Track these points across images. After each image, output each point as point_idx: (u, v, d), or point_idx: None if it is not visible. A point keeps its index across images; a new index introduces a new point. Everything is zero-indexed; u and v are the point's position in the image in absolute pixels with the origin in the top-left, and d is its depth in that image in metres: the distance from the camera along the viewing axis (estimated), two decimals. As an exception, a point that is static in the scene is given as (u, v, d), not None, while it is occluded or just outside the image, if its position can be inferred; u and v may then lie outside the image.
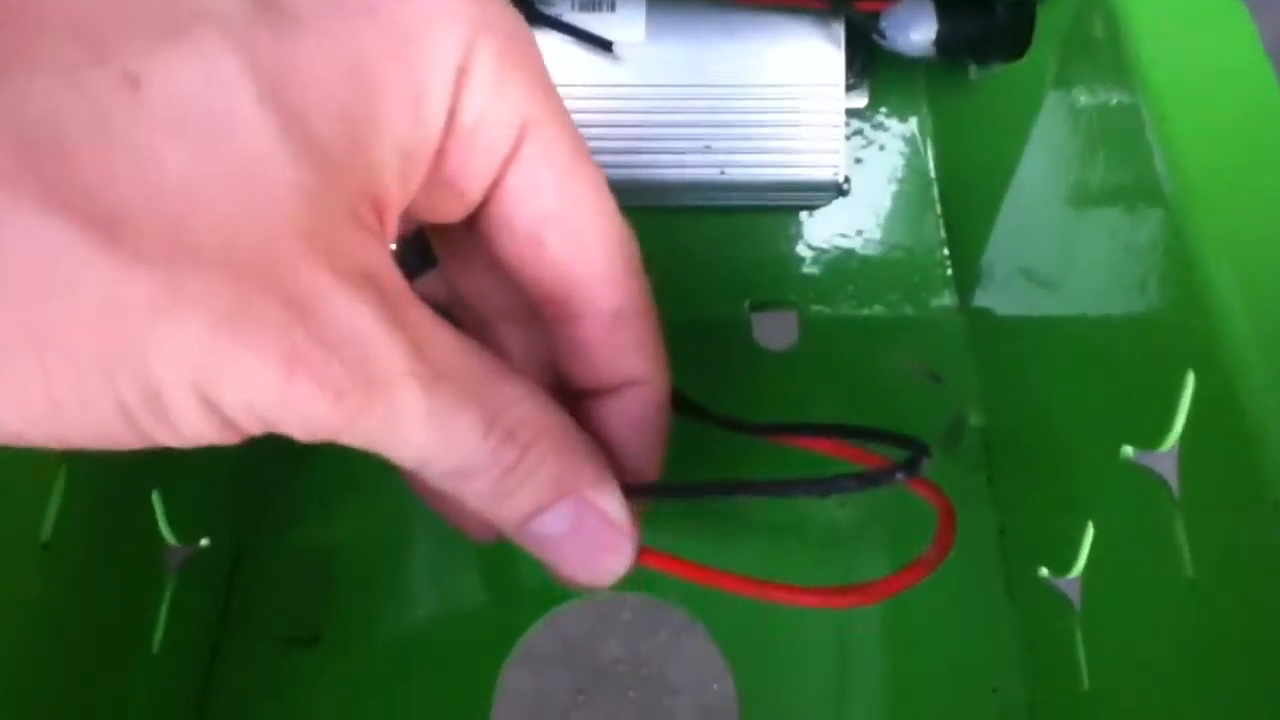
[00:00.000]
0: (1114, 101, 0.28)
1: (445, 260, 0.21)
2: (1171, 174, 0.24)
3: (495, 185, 0.17)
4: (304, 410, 0.14)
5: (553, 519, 0.18)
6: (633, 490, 0.19)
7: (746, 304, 0.41)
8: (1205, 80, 0.26)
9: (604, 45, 0.36)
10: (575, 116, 0.18)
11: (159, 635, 0.30)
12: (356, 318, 0.14)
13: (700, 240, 0.42)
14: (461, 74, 0.16)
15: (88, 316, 0.12)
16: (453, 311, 0.23)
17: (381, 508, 0.37)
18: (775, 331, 0.41)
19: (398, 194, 0.16)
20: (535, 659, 0.37)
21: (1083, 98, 0.30)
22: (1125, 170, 0.27)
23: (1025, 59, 0.34)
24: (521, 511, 0.18)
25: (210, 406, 0.14)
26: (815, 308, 0.41)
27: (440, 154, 0.16)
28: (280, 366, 0.14)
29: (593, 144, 0.36)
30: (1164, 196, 0.24)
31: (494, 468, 0.17)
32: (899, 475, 0.19)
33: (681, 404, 0.22)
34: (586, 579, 0.19)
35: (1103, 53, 0.29)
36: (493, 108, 0.16)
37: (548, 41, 0.36)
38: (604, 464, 0.19)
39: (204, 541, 0.33)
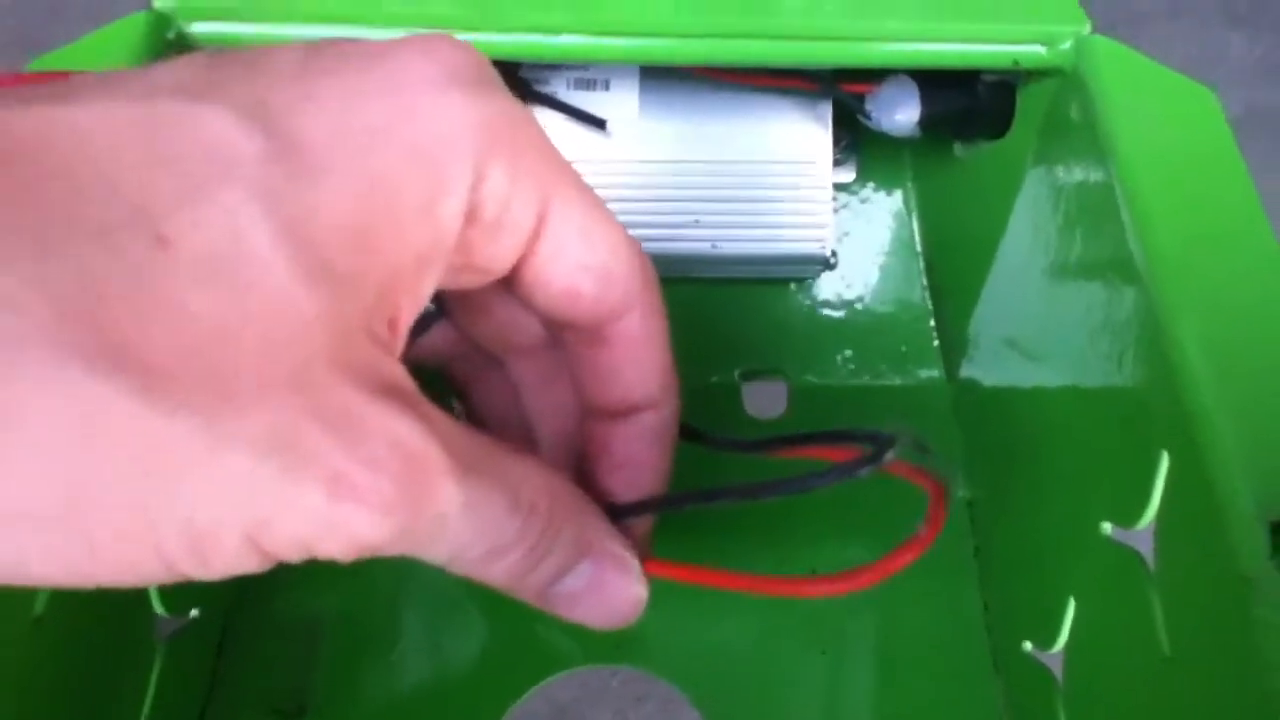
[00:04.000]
0: (1090, 180, 0.29)
1: (462, 309, 0.22)
2: (1144, 252, 0.25)
3: (524, 256, 0.18)
4: (352, 531, 0.15)
5: (574, 579, 0.19)
6: (622, 510, 0.21)
7: (736, 373, 0.42)
8: (1176, 161, 0.27)
9: (598, 123, 0.37)
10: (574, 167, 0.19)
11: (148, 706, 0.30)
12: (393, 428, 0.15)
13: (691, 310, 0.43)
14: (478, 179, 0.16)
15: (132, 468, 0.13)
16: (456, 359, 0.24)
17: (369, 577, 0.37)
18: (765, 401, 0.42)
19: (410, 299, 0.16)
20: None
21: (1061, 176, 0.31)
22: (1101, 247, 0.28)
23: (1007, 138, 0.35)
24: (546, 579, 0.19)
25: (254, 544, 0.14)
26: (805, 377, 0.42)
27: (463, 247, 0.17)
28: (326, 493, 0.14)
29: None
30: (1137, 274, 0.25)
31: (522, 544, 0.18)
32: (864, 469, 0.20)
33: (682, 430, 0.23)
34: (614, 621, 0.20)
35: (1079, 134, 0.29)
36: (512, 199, 0.17)
37: (543, 119, 0.37)
38: (599, 510, 0.20)
39: (194, 612, 0.33)
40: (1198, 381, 0.22)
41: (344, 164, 0.15)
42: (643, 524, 0.22)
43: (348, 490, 0.14)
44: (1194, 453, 0.22)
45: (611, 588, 0.20)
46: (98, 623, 0.28)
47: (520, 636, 0.36)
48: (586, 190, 0.19)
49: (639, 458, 0.21)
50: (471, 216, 0.17)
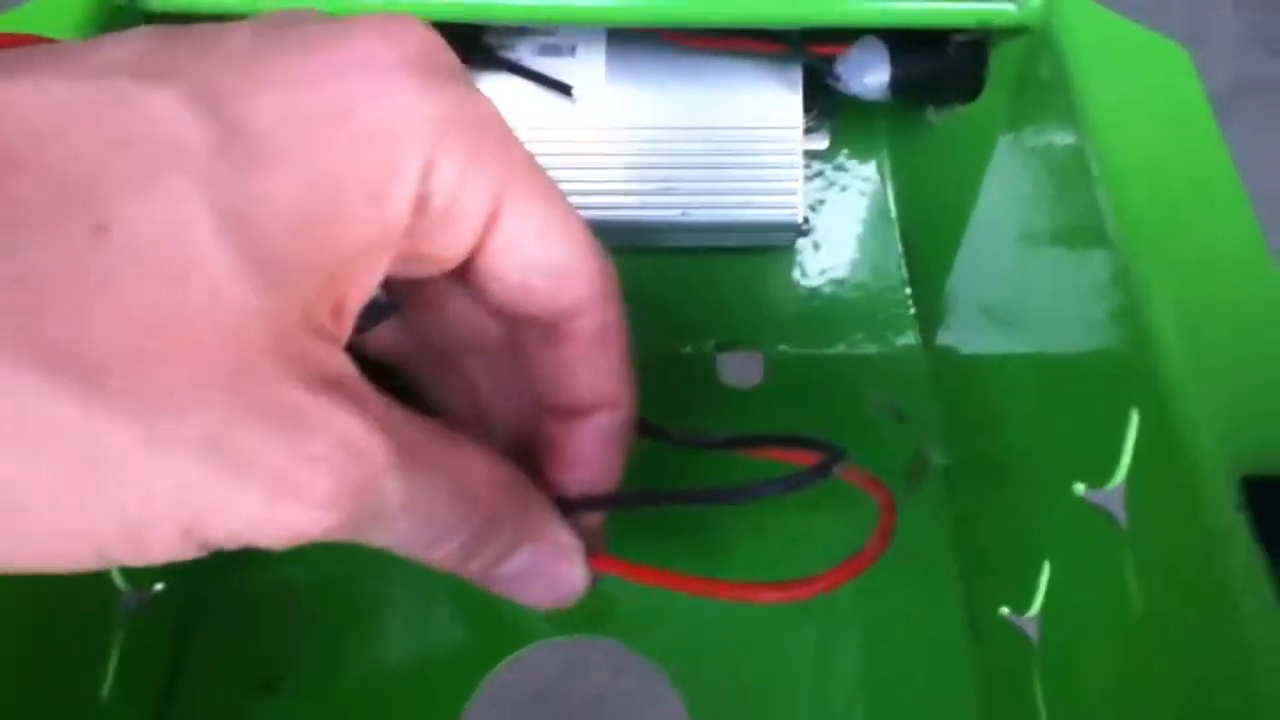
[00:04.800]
0: (1061, 142, 0.28)
1: (416, 303, 0.22)
2: (1115, 213, 0.25)
3: (477, 249, 0.18)
4: (291, 525, 0.14)
5: (512, 563, 0.19)
6: (576, 504, 0.21)
7: (712, 344, 0.41)
8: (1148, 120, 0.26)
9: (564, 89, 0.36)
10: (536, 159, 0.19)
11: (109, 683, 0.30)
12: (335, 422, 0.15)
13: (666, 281, 0.42)
14: (428, 169, 0.16)
15: (68, 469, 0.13)
16: (412, 355, 0.23)
17: (342, 547, 0.36)
18: (741, 371, 0.41)
19: (355, 288, 0.16)
20: (501, 702, 0.36)
21: (1033, 138, 0.31)
22: (1073, 209, 0.27)
23: (980, 101, 0.34)
24: (487, 563, 0.19)
25: (191, 537, 0.14)
26: (780, 347, 0.41)
27: (411, 236, 0.16)
28: (267, 493, 0.14)
29: (554, 186, 0.36)
30: (1107, 235, 0.25)
31: (462, 534, 0.18)
32: (814, 480, 0.20)
33: (643, 427, 0.23)
34: (555, 603, 0.20)
35: (1050, 94, 0.29)
36: (463, 190, 0.17)
37: (508, 85, 0.36)
38: (545, 499, 0.20)
39: (158, 586, 0.33)
40: (1167, 338, 0.22)
41: (292, 152, 0.15)
42: (595, 517, 0.22)
43: (286, 489, 0.14)
44: (1163, 409, 0.21)
45: (550, 573, 0.20)
46: (55, 596, 0.27)
47: (497, 608, 0.36)
48: (547, 185, 0.18)
49: (592, 457, 0.21)
50: (421, 206, 0.16)
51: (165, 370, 0.13)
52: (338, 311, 0.16)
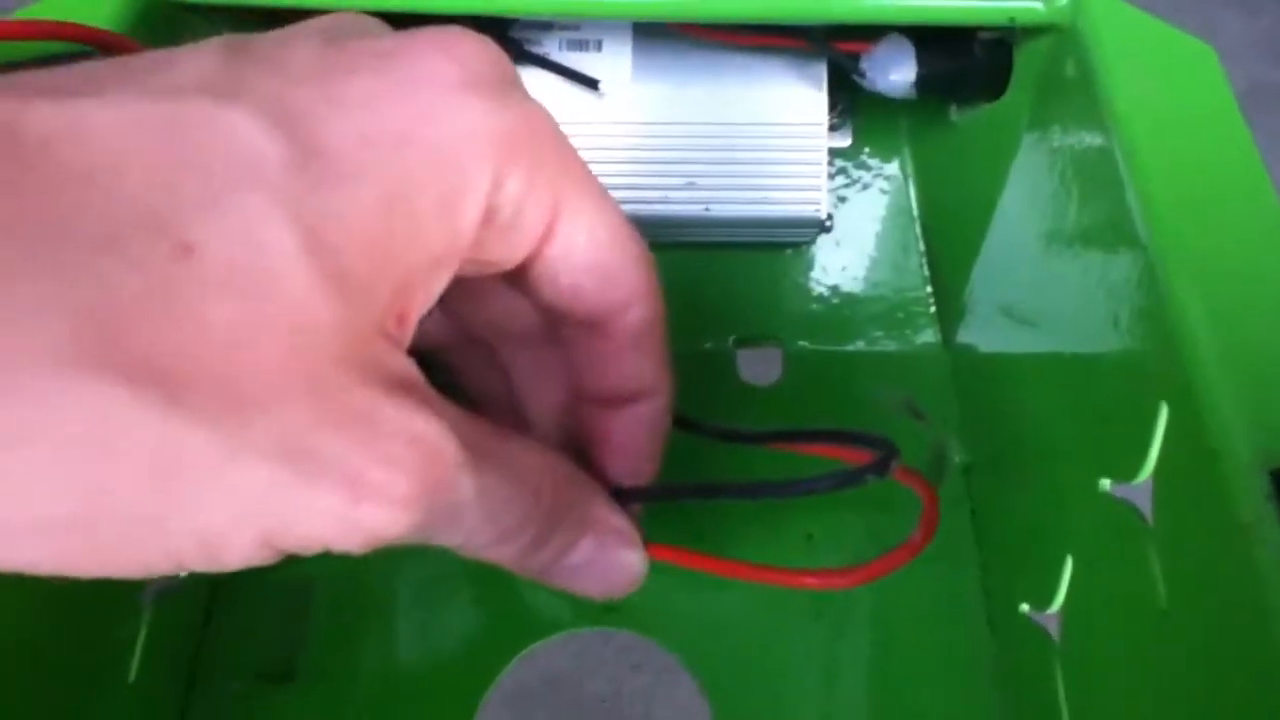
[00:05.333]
0: (1088, 141, 0.28)
1: (458, 296, 0.22)
2: (1143, 211, 0.25)
3: (532, 253, 0.18)
4: (370, 527, 0.15)
5: (577, 554, 0.20)
6: (629, 495, 0.22)
7: (731, 340, 0.41)
8: (1175, 119, 0.26)
9: (590, 84, 0.36)
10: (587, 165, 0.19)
11: (135, 665, 0.30)
12: (409, 423, 0.15)
13: (686, 276, 0.43)
14: (495, 185, 0.16)
15: (149, 479, 0.13)
16: (451, 344, 0.24)
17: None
18: (760, 367, 0.41)
19: (422, 296, 0.17)
20: (516, 696, 0.37)
21: (1058, 137, 0.31)
22: (1099, 208, 0.27)
23: (1004, 99, 0.34)
24: (550, 557, 0.19)
25: (269, 544, 0.14)
26: (800, 344, 0.41)
27: (475, 245, 0.17)
28: (345, 495, 0.14)
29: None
30: (1136, 234, 0.25)
31: (530, 527, 0.18)
32: (868, 477, 0.20)
33: (681, 421, 0.23)
34: (613, 592, 0.21)
35: (1076, 93, 0.29)
36: (526, 202, 0.17)
37: (535, 79, 0.36)
38: (601, 488, 0.21)
39: (183, 572, 0.33)
40: (1195, 332, 0.22)
41: (365, 169, 0.15)
42: (635, 507, 0.23)
43: (367, 490, 0.14)
44: (1192, 403, 0.21)
45: (611, 561, 0.20)
46: (82, 581, 0.28)
47: (512, 601, 0.36)
48: (599, 190, 0.19)
49: (634, 444, 0.22)
50: (488, 218, 0.17)
51: (243, 381, 0.13)
52: (403, 319, 0.16)
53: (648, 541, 0.21)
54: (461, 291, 0.21)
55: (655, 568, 0.37)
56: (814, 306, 0.42)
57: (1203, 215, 0.24)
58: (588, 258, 0.19)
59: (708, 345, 0.41)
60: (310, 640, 0.35)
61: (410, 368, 0.16)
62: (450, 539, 0.17)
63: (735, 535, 0.37)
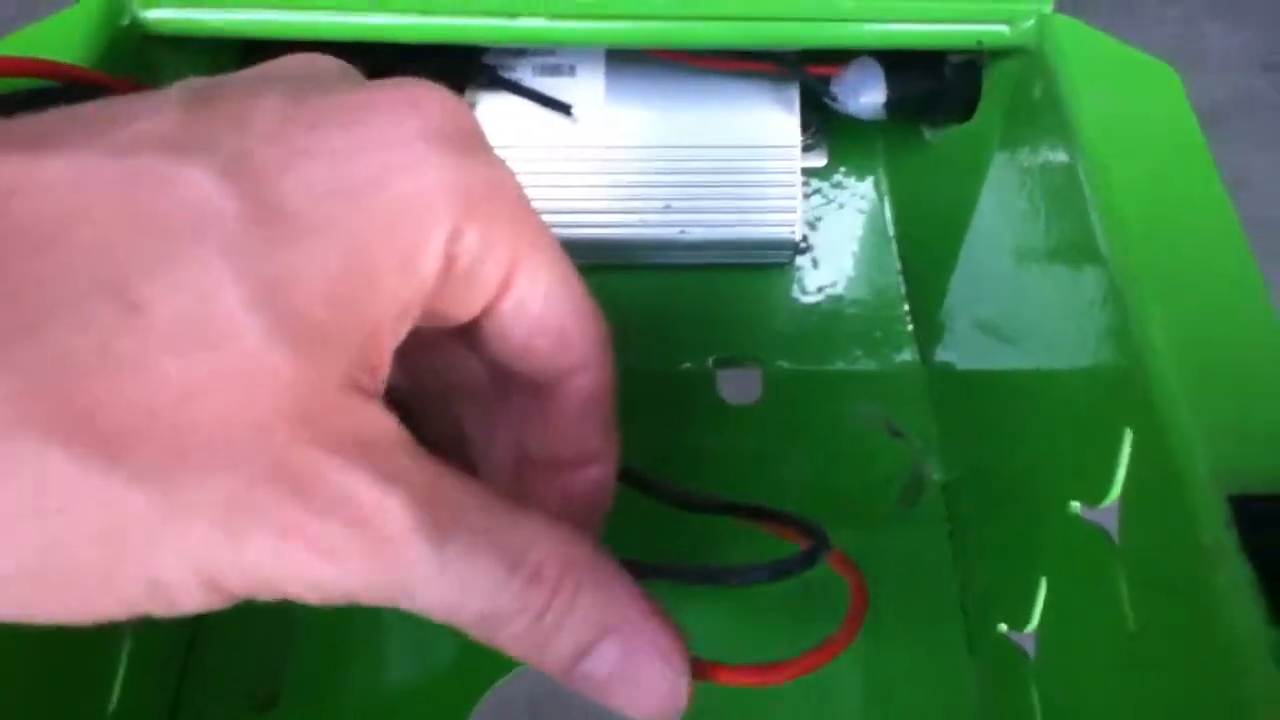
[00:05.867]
0: (1054, 161, 0.28)
1: (408, 347, 0.21)
2: (1106, 231, 0.25)
3: (486, 308, 0.18)
4: (307, 577, 0.15)
5: (599, 660, 0.17)
6: None
7: (711, 360, 0.42)
8: (1138, 139, 0.27)
9: (564, 109, 0.36)
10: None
11: (115, 695, 0.30)
12: (349, 485, 0.15)
13: (665, 297, 0.43)
14: (455, 237, 0.16)
15: (92, 537, 0.13)
16: (405, 392, 0.23)
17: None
18: (740, 387, 0.41)
19: (390, 349, 0.17)
20: (502, 714, 0.36)
21: (1027, 157, 0.31)
22: (1066, 227, 0.28)
23: (974, 120, 0.35)
24: (566, 655, 0.17)
25: (215, 588, 0.14)
26: (779, 363, 0.41)
27: (434, 295, 0.17)
28: (277, 541, 0.14)
29: (555, 204, 0.37)
30: (1100, 253, 0.25)
31: (526, 612, 0.16)
32: (801, 569, 0.21)
33: (633, 479, 0.23)
34: (653, 715, 0.18)
35: (1043, 114, 0.29)
36: (484, 256, 0.17)
37: (509, 105, 0.37)
38: (635, 587, 0.18)
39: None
40: (1159, 359, 0.22)
41: (325, 224, 0.15)
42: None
43: (299, 539, 0.14)
44: (1156, 429, 0.22)
45: (645, 675, 0.17)
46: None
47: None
48: (556, 251, 0.19)
49: (574, 511, 0.21)
50: (446, 270, 0.17)
51: (189, 438, 0.14)
52: (373, 370, 0.16)
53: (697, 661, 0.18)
54: (413, 343, 0.20)
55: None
56: (793, 326, 0.42)
57: (1165, 234, 0.25)
58: (541, 318, 0.18)
59: (687, 365, 0.41)
60: (295, 665, 0.35)
61: (379, 424, 0.16)
62: (421, 608, 0.16)
63: (710, 551, 0.37)
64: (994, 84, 0.33)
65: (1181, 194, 0.25)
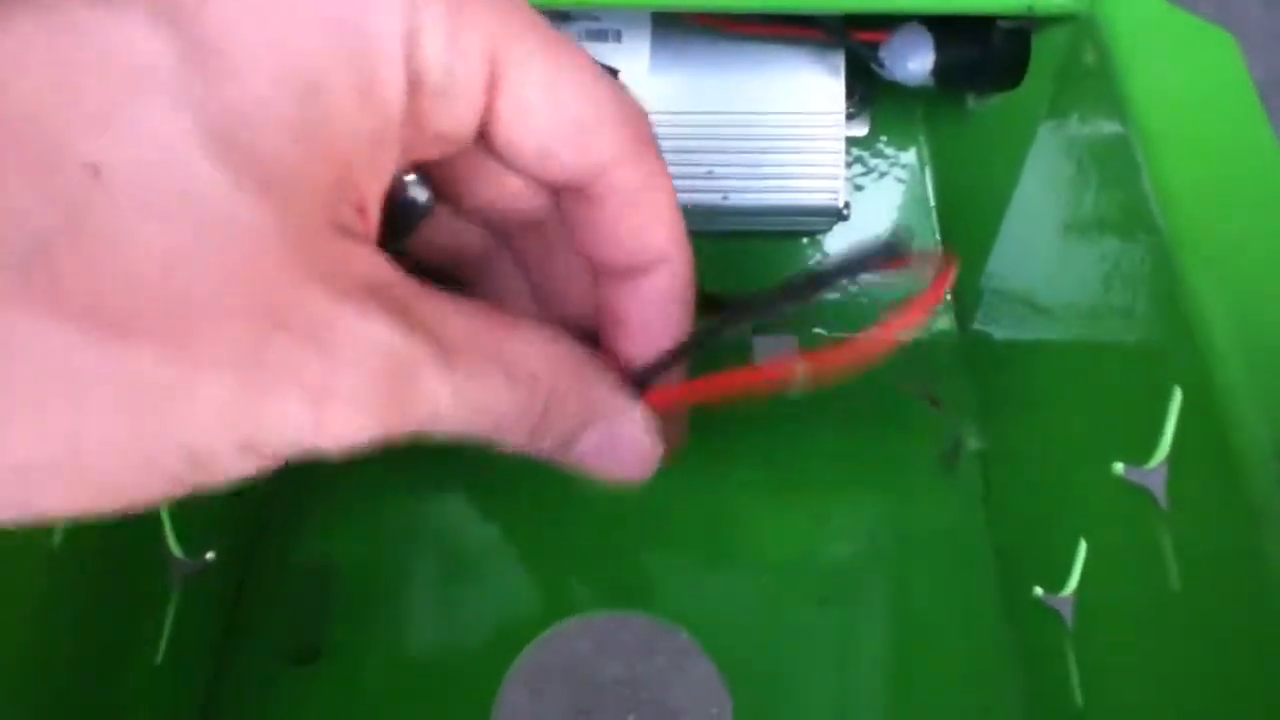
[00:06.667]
0: (1105, 129, 0.28)
1: (448, 189, 0.20)
2: (1159, 199, 0.25)
3: (487, 116, 0.17)
4: (343, 432, 0.15)
5: (586, 442, 0.19)
6: (647, 375, 0.20)
7: (748, 326, 0.42)
8: (1193, 108, 0.27)
9: (611, 74, 0.37)
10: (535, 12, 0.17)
11: (163, 646, 0.31)
12: (368, 329, 0.15)
13: (704, 264, 0.43)
14: (411, 44, 0.15)
15: (117, 410, 0.13)
16: (464, 254, 0.23)
17: (383, 524, 0.37)
18: (775, 353, 0.42)
19: (372, 182, 0.16)
20: (535, 678, 0.37)
21: (1076, 126, 0.31)
22: (1116, 195, 0.28)
23: (1021, 88, 0.35)
24: (558, 442, 0.19)
25: (253, 451, 0.14)
26: (815, 330, 0.42)
27: (413, 119, 0.16)
28: (310, 403, 0.14)
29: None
30: (1152, 220, 0.25)
31: (527, 415, 0.18)
32: (879, 260, 0.19)
33: (706, 299, 0.22)
34: (627, 476, 0.20)
35: (1094, 82, 0.29)
36: (456, 59, 0.16)
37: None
38: (611, 375, 0.20)
39: (209, 555, 0.34)
40: (1210, 319, 0.22)
41: (262, 54, 0.14)
42: (677, 421, 0.22)
43: (331, 399, 0.14)
44: (1206, 388, 0.22)
45: (622, 446, 0.20)
46: (114, 560, 0.28)
47: (531, 585, 0.37)
48: (550, 38, 0.17)
49: (653, 319, 0.20)
50: (414, 85, 0.16)
51: (185, 300, 0.13)
52: (360, 208, 0.16)
53: (651, 389, 0.20)
54: (451, 185, 0.20)
55: (671, 553, 0.38)
56: (830, 294, 0.42)
57: (1219, 203, 0.24)
58: (549, 114, 0.17)
59: (725, 332, 0.42)
60: (335, 620, 0.35)
61: (376, 264, 0.15)
62: (440, 434, 0.16)
63: (747, 514, 0.38)
64: (1043, 50, 0.33)
65: (1236, 161, 0.25)
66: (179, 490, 0.14)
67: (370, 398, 0.15)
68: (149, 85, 0.13)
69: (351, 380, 0.14)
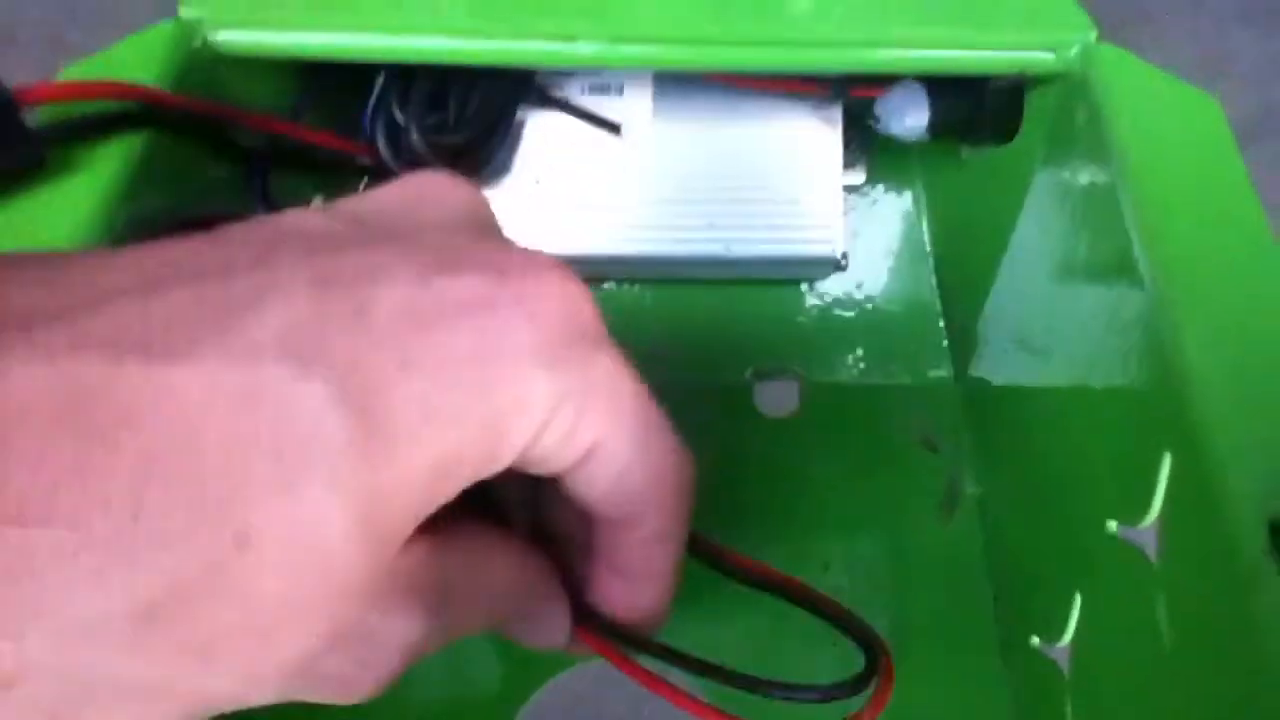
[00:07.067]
0: (1096, 184, 0.29)
1: None
2: (1148, 255, 0.26)
3: (562, 474, 0.19)
4: (350, 701, 0.17)
5: (521, 627, 0.21)
6: (588, 618, 0.22)
7: (749, 372, 0.42)
8: (1180, 166, 0.27)
9: (612, 128, 0.37)
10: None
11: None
12: (396, 631, 0.17)
13: (704, 310, 0.43)
14: (534, 438, 0.17)
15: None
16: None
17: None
18: (777, 399, 0.42)
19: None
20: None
21: (1068, 180, 0.31)
22: (1106, 250, 0.28)
23: (1015, 142, 0.35)
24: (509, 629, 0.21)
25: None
26: (816, 376, 0.42)
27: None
28: (337, 695, 0.17)
29: (600, 222, 0.38)
30: (1141, 276, 0.26)
31: (478, 629, 0.20)
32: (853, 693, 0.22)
33: (703, 548, 0.23)
34: (547, 645, 0.22)
35: (1085, 139, 0.30)
36: (564, 449, 0.18)
37: (559, 123, 0.38)
38: (555, 581, 0.21)
39: None
40: (1198, 383, 0.23)
41: (426, 438, 0.15)
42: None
43: (353, 688, 0.17)
44: (1195, 453, 0.22)
45: (546, 632, 0.21)
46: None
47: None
48: (639, 423, 0.19)
49: (636, 564, 0.22)
50: (520, 455, 0.17)
51: (278, 635, 0.15)
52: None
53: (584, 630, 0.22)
54: None
55: (675, 600, 0.38)
56: (830, 339, 0.43)
57: (1205, 258, 0.25)
58: (618, 484, 0.19)
59: (726, 378, 0.42)
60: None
61: (409, 554, 0.17)
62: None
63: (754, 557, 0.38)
64: (1036, 108, 0.34)
65: (1222, 219, 0.26)
66: None
67: (376, 682, 0.17)
68: (319, 469, 0.14)
69: (374, 672, 0.17)
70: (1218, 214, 0.26)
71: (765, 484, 0.40)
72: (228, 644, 0.14)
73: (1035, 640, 0.32)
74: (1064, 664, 0.31)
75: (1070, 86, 0.31)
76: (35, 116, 0.26)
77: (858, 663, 0.24)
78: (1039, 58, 0.31)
